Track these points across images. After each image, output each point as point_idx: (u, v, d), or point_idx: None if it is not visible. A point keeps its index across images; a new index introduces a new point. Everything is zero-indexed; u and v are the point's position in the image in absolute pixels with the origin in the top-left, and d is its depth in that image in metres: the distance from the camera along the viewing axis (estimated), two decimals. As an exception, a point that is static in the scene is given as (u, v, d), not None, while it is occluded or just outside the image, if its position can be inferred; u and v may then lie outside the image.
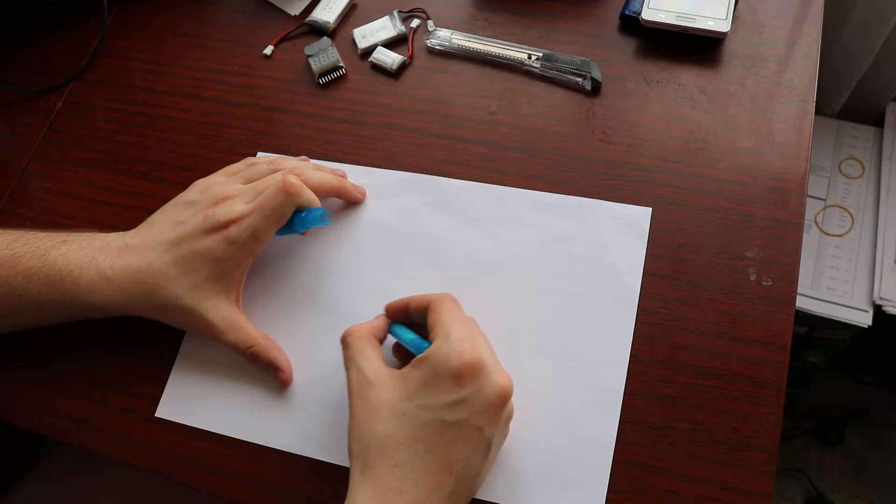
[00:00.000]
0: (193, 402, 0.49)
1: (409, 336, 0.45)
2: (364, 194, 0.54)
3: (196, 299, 0.46)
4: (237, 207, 0.47)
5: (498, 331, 0.48)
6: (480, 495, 0.44)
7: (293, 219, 0.48)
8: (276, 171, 0.50)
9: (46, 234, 0.49)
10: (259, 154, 0.58)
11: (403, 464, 0.39)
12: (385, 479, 0.39)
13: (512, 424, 0.44)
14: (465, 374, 0.39)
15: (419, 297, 0.45)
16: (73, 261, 0.47)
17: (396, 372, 0.42)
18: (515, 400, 0.43)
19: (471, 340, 0.41)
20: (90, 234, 0.50)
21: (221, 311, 0.47)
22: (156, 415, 0.49)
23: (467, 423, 0.39)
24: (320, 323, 0.50)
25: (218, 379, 0.50)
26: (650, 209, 0.50)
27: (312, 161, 0.55)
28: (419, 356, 0.41)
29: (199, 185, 0.50)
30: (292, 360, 0.49)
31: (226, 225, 0.46)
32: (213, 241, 0.46)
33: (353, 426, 0.41)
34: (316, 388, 0.48)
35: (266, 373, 0.49)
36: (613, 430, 0.44)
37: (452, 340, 0.41)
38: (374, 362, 0.43)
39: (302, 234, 0.52)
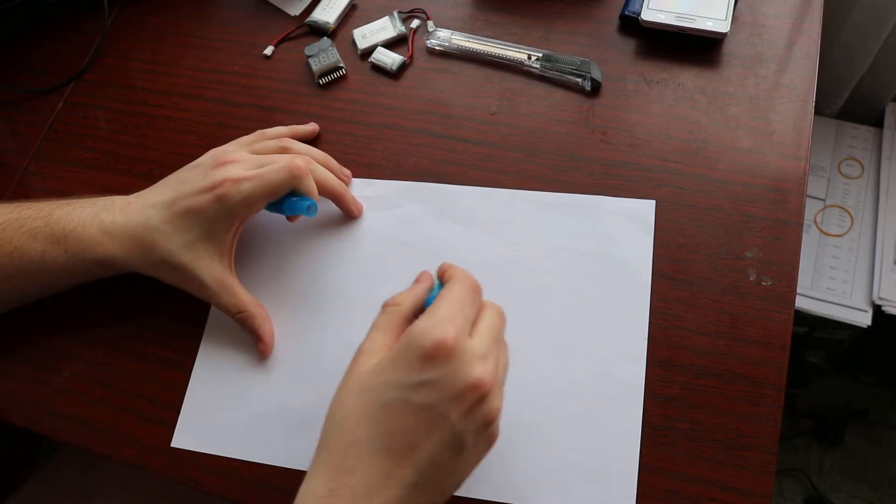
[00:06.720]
0: (207, 431, 0.48)
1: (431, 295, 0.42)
2: (361, 211, 0.54)
3: (190, 258, 0.48)
4: (236, 171, 0.48)
5: (514, 332, 0.47)
6: (511, 500, 0.43)
7: (284, 200, 0.49)
8: (282, 149, 0.52)
9: (51, 200, 0.51)
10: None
11: (359, 442, 0.36)
12: (338, 458, 0.36)
13: (535, 425, 0.44)
14: (437, 356, 0.36)
15: (447, 267, 0.42)
16: (75, 218, 0.49)
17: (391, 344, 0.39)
18: (537, 400, 0.43)
19: (456, 323, 0.37)
20: (94, 197, 0.51)
21: (214, 272, 0.48)
22: (171, 445, 0.48)
23: (433, 408, 0.36)
24: (329, 338, 0.50)
25: (230, 403, 0.49)
26: (653, 201, 0.51)
27: (321, 154, 0.54)
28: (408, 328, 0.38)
29: (211, 151, 0.51)
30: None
31: (221, 184, 0.47)
32: (205, 200, 0.47)
33: (332, 399, 0.39)
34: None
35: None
36: (638, 423, 0.44)
37: (436, 318, 0.37)
38: (382, 333, 0.40)
39: (288, 218, 0.52)
